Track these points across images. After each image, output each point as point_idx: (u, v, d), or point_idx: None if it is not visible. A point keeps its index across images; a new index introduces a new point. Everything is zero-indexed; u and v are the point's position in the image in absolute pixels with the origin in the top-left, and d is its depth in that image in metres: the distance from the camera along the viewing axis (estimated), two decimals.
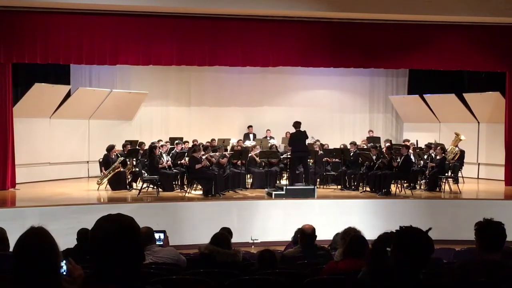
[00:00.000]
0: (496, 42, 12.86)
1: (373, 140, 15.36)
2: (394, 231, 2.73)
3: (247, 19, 12.30)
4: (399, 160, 12.15)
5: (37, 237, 2.26)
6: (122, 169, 12.43)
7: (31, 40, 11.43)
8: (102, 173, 12.49)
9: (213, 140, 14.47)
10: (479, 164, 15.14)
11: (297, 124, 11.98)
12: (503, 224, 3.59)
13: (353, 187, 12.88)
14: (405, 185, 12.47)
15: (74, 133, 14.49)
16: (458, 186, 13.00)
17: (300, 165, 12.31)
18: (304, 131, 12.03)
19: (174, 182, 12.54)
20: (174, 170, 12.46)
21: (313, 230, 5.79)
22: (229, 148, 14.01)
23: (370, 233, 4.77)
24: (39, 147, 13.50)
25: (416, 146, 14.44)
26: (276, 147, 14.12)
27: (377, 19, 12.51)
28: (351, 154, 13.23)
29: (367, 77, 17.49)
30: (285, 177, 13.40)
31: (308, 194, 11.47)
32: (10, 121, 11.81)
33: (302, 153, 12.04)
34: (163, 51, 12.22)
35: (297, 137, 11.99)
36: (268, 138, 15.59)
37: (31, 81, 12.94)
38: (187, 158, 12.38)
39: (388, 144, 14.00)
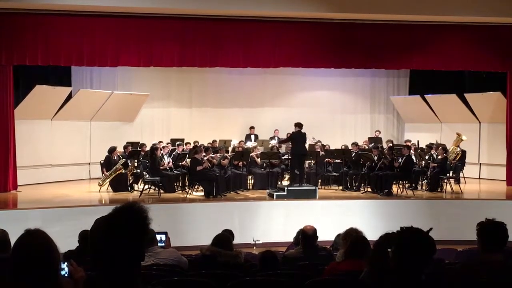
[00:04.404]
0: (497, 42, 12.86)
1: (375, 140, 15.36)
2: (396, 231, 2.73)
3: (248, 20, 12.30)
4: (400, 160, 12.15)
5: (34, 240, 2.26)
6: (123, 171, 12.44)
7: (32, 42, 11.45)
8: (103, 175, 12.50)
9: (214, 141, 14.46)
10: (480, 164, 15.13)
11: (299, 125, 11.98)
12: (505, 224, 3.59)
13: (354, 187, 12.88)
14: (406, 185, 12.47)
15: (75, 135, 14.49)
16: (459, 186, 13.00)
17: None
18: (304, 133, 12.03)
19: (175, 184, 12.54)
20: (176, 172, 12.47)
21: (315, 231, 5.78)
22: (230, 149, 14.01)
23: (372, 234, 4.76)
24: (40, 149, 13.51)
25: (417, 146, 14.44)
26: (277, 147, 14.11)
27: (378, 19, 12.51)
28: (352, 155, 13.22)
29: (368, 77, 17.48)
30: (286, 178, 13.40)
31: (309, 195, 11.47)
32: (11, 123, 11.81)
33: (300, 155, 12.04)
34: (164, 52, 12.23)
35: (297, 137, 11.98)
36: (276, 138, 15.50)
37: (32, 83, 12.95)
38: (188, 160, 12.39)
39: (389, 144, 13.99)
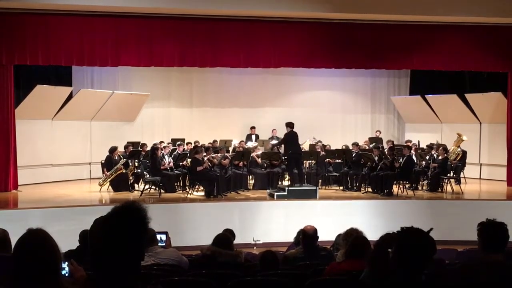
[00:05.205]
0: (497, 43, 12.86)
1: (375, 140, 15.35)
2: (396, 232, 2.73)
3: (248, 20, 12.31)
4: (401, 160, 12.15)
5: (36, 239, 2.26)
6: (124, 171, 12.43)
7: (32, 42, 11.45)
8: (104, 175, 12.50)
9: (215, 141, 14.46)
10: (481, 164, 15.12)
11: (291, 125, 11.98)
12: (505, 224, 3.58)
13: (355, 188, 12.88)
14: (407, 185, 12.47)
15: (76, 135, 14.50)
16: (460, 186, 12.98)
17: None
18: (296, 132, 12.03)
19: (176, 183, 12.55)
20: (176, 172, 12.47)
21: (315, 231, 5.78)
22: (231, 149, 14.01)
23: (372, 234, 4.76)
24: (41, 148, 13.51)
25: (418, 146, 14.43)
26: (277, 148, 14.10)
27: (379, 19, 12.50)
28: (353, 155, 13.22)
29: (368, 78, 17.48)
30: (287, 178, 13.40)
31: (310, 195, 11.47)
32: (12, 123, 11.82)
33: (296, 154, 12.04)
34: (164, 52, 12.24)
35: (290, 138, 11.98)
36: (275, 138, 15.50)
37: (33, 82, 12.96)
38: (189, 160, 12.39)
39: (390, 144, 13.99)
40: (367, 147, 14.46)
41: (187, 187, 12.46)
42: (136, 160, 13.01)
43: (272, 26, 12.44)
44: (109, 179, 12.27)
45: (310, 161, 13.71)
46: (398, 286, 2.64)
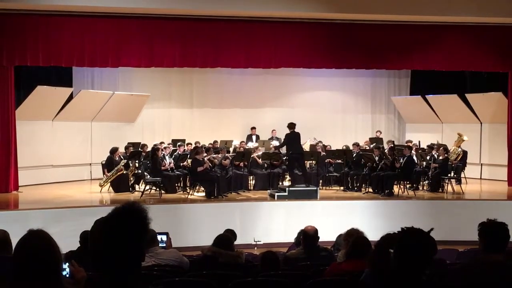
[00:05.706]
0: (498, 43, 12.84)
1: (376, 141, 15.35)
2: (397, 232, 2.73)
3: (249, 21, 12.30)
4: (401, 161, 12.14)
5: (37, 240, 2.26)
6: (124, 172, 12.43)
7: (33, 42, 11.44)
8: (104, 175, 12.51)
9: (215, 141, 14.46)
10: (481, 164, 15.11)
11: (292, 125, 11.98)
12: (506, 224, 3.58)
13: (355, 188, 12.87)
14: (407, 186, 12.47)
15: (76, 136, 14.50)
16: (460, 186, 12.97)
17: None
18: (298, 133, 12.02)
19: (176, 184, 12.55)
20: (177, 172, 12.47)
21: (316, 231, 5.78)
22: (231, 149, 14.00)
23: (373, 234, 4.76)
24: (41, 149, 13.51)
25: (418, 147, 14.43)
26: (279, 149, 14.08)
27: (379, 20, 12.50)
28: (353, 155, 13.22)
29: (369, 78, 17.48)
30: (287, 179, 13.39)
31: (310, 196, 11.47)
32: (12, 124, 11.82)
33: (297, 154, 12.03)
34: (165, 53, 12.23)
35: (292, 138, 11.98)
36: (274, 138, 15.52)
37: (34, 83, 12.95)
38: (189, 160, 12.40)
39: (390, 145, 13.98)
40: (368, 147, 14.46)
41: (187, 188, 12.46)
42: (137, 161, 13.01)
43: (273, 27, 12.44)
44: (109, 180, 12.28)
45: (311, 162, 13.70)
46: (398, 286, 2.64)
